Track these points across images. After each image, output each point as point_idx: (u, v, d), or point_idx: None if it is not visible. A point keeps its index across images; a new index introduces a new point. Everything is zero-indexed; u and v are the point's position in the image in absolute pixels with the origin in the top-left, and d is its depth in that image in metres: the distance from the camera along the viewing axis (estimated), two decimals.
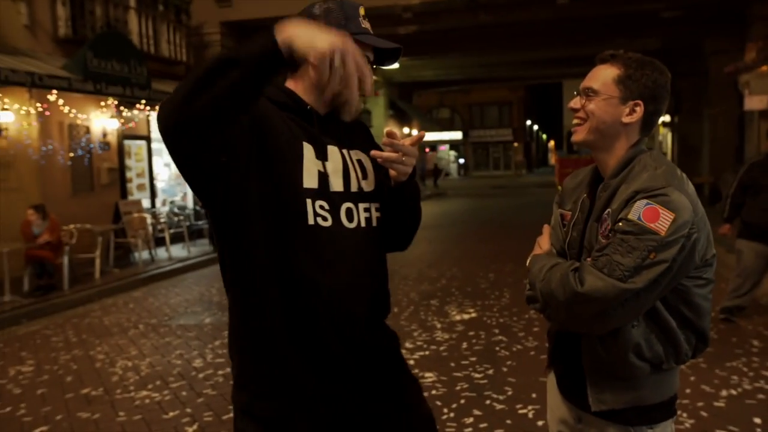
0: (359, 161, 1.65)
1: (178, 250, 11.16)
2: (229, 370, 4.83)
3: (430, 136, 37.51)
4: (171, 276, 9.53)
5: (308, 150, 1.55)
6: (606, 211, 1.57)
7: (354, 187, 1.61)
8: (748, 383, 4.30)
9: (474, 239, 12.42)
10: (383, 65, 1.70)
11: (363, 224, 1.61)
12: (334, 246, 1.55)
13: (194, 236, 12.31)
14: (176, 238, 11.55)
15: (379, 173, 1.68)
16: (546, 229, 1.81)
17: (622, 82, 1.60)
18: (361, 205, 1.61)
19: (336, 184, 1.57)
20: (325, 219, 1.54)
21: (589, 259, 1.56)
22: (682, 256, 1.48)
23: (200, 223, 12.62)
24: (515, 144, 47.02)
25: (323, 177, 1.55)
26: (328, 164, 1.57)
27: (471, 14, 14.14)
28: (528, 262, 1.75)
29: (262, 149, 1.48)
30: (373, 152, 1.61)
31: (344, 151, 1.63)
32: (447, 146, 45.64)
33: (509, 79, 34.21)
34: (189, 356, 5.36)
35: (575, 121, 1.68)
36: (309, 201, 1.52)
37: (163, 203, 12.69)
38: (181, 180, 13.38)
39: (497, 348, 5.23)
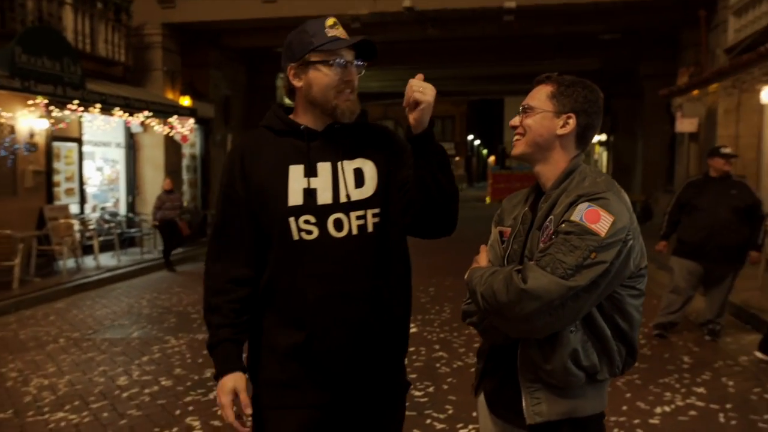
0: (357, 170, 1.75)
1: (107, 259, 10.65)
2: (156, 388, 4.61)
3: None
4: (98, 286, 9.07)
5: (295, 171, 1.73)
6: (548, 219, 1.63)
7: (343, 198, 1.71)
8: (681, 399, 4.36)
9: (414, 253, 12.23)
10: (370, 59, 1.79)
11: (355, 232, 1.72)
12: (320, 256, 1.70)
13: (125, 244, 11.81)
14: (106, 247, 11.04)
15: (383, 177, 1.78)
16: (482, 248, 1.83)
17: (555, 97, 1.71)
18: (353, 214, 1.72)
19: (324, 197, 1.71)
20: (309, 233, 1.70)
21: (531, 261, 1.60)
22: (619, 260, 1.54)
23: (132, 230, 12.12)
24: (457, 158, 47.63)
25: (309, 193, 1.71)
26: (317, 180, 1.72)
27: (419, 27, 14.19)
28: (466, 275, 1.73)
29: (249, 191, 1.75)
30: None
31: (339, 164, 1.74)
32: None
33: (453, 94, 34.65)
34: (113, 373, 5.05)
35: (515, 137, 1.77)
36: (292, 219, 1.70)
37: (94, 209, 12.10)
38: (114, 185, 12.93)
39: (438, 364, 5.15)
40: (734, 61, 8.68)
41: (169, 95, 13.19)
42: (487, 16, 13.66)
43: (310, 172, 1.73)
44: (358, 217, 1.73)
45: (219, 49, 15.18)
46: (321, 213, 1.71)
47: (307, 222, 1.71)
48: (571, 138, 1.71)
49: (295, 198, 1.72)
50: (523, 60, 18.22)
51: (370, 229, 1.74)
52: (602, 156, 25.47)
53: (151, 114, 11.54)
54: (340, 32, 1.73)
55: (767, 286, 7.36)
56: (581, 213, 1.54)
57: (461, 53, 17.73)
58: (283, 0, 13.14)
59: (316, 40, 1.71)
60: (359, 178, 1.75)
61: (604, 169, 24.25)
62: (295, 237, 1.71)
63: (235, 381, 1.72)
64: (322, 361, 1.72)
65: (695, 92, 10.83)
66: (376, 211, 1.75)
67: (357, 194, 1.74)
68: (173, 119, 12.28)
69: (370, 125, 1.85)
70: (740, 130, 11.22)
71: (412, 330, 6.23)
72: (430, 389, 4.57)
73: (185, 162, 14.44)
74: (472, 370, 5.18)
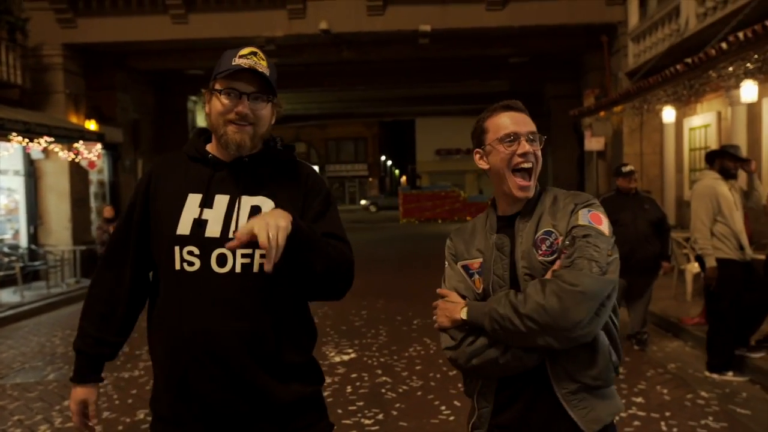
0: (255, 207, 1.69)
1: (8, 296, 9.82)
2: None
3: None
4: (1, 326, 8.30)
5: (192, 199, 1.70)
6: (542, 232, 1.67)
7: (231, 233, 1.64)
8: (623, 411, 4.47)
9: None
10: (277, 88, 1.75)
11: (238, 270, 1.65)
12: (199, 290, 1.65)
13: (29, 279, 10.93)
14: (7, 282, 10.17)
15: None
16: (444, 291, 1.78)
17: (537, 130, 1.76)
18: (240, 251, 1.64)
19: (213, 230, 1.66)
20: (191, 264, 1.66)
21: (555, 271, 1.63)
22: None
23: (36, 263, 11.26)
24: (370, 179, 48.03)
25: (197, 224, 1.67)
26: (211, 212, 1.68)
27: (335, 50, 14.21)
28: (464, 313, 1.68)
29: (147, 214, 1.77)
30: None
31: (237, 198, 1.70)
32: None
33: (365, 115, 34.96)
34: (31, 422, 4.58)
35: (527, 165, 1.70)
36: (177, 248, 1.67)
37: None
38: (12, 216, 11.99)
39: (383, 390, 5.04)
40: (639, 84, 9.24)
41: (73, 119, 12.42)
42: (402, 39, 13.89)
43: (206, 203, 1.70)
44: (244, 255, 1.66)
45: (126, 71, 14.52)
46: (206, 245, 1.67)
47: (190, 253, 1.67)
48: None
49: (183, 227, 1.69)
50: (436, 82, 18.64)
51: (255, 269, 1.66)
52: None
53: (53, 139, 10.82)
54: (249, 62, 1.68)
55: (680, 295, 7.79)
56: (586, 217, 1.64)
57: (375, 75, 17.90)
58: (195, 21, 12.79)
59: (222, 66, 1.71)
60: (255, 214, 1.66)
61: None
62: (177, 267, 1.68)
63: (86, 393, 1.79)
64: (199, 398, 1.67)
65: (602, 113, 11.44)
66: (263, 252, 1.57)
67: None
68: (79, 144, 11.58)
69: (285, 161, 1.80)
70: (644, 147, 11.95)
71: (351, 356, 6.11)
72: (380, 416, 4.46)
73: (93, 189, 13.62)
74: (419, 393, 5.18)
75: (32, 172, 12.09)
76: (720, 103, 9.42)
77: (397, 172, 58.87)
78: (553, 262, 1.64)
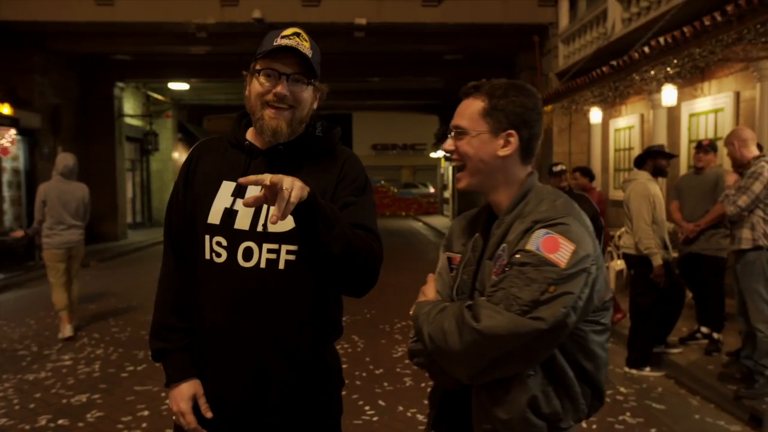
0: None
1: None
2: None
3: None
4: None
5: (226, 187, 1.66)
6: (501, 247, 1.45)
7: (259, 227, 1.61)
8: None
9: None
10: (317, 74, 1.68)
11: (263, 265, 1.60)
12: (224, 283, 1.62)
13: None
14: None
15: None
16: (430, 277, 1.65)
17: (489, 114, 1.50)
18: (266, 246, 1.60)
19: (242, 222, 1.62)
20: (219, 255, 1.63)
21: (483, 297, 1.42)
22: (585, 294, 1.37)
23: None
24: None
25: (227, 213, 1.63)
26: (242, 201, 1.54)
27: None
28: (411, 310, 1.56)
29: (186, 197, 1.74)
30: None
31: None
32: None
33: (320, 99, 34.50)
34: None
35: (454, 163, 1.56)
36: (208, 237, 1.64)
37: None
38: None
39: None
40: (568, 84, 9.44)
41: None
42: (337, 32, 13.73)
43: (239, 192, 1.64)
44: (270, 251, 1.61)
45: (45, 52, 13.74)
46: (234, 238, 1.63)
47: (219, 244, 1.64)
48: (515, 156, 1.52)
49: (214, 216, 1.65)
50: (371, 76, 18.57)
51: (281, 265, 1.61)
52: (448, 170, 26.68)
53: None
54: (291, 42, 1.61)
55: (616, 292, 7.99)
56: (538, 241, 1.37)
57: None
58: (121, 3, 12.22)
59: (264, 47, 1.64)
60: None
61: (450, 184, 25.41)
62: (207, 256, 1.66)
63: (195, 387, 1.70)
64: (217, 392, 1.67)
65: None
66: (292, 248, 1.60)
67: (277, 227, 1.58)
68: None
69: (325, 148, 1.72)
70: (572, 147, 12.26)
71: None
72: None
73: (6, 177, 12.82)
74: (343, 393, 5.08)
75: None
76: (643, 105, 9.75)
77: None
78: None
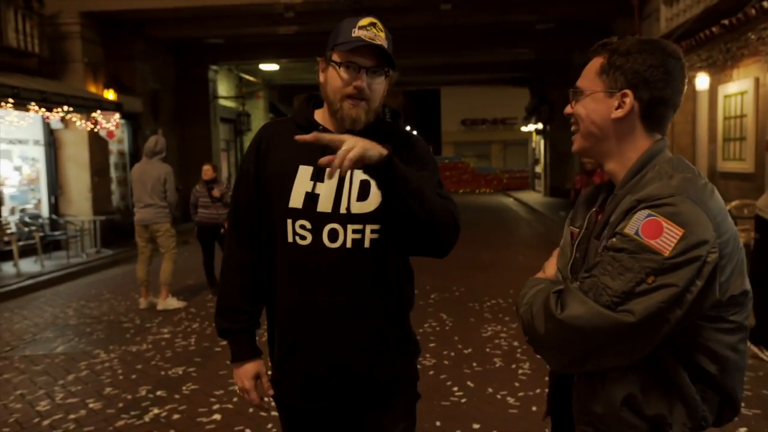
0: (365, 181, 1.66)
1: (29, 265, 9.87)
2: (83, 412, 4.14)
3: None
4: (18, 295, 8.33)
5: (304, 172, 1.70)
6: (608, 226, 1.33)
7: (342, 209, 1.66)
8: None
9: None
10: (394, 67, 1.73)
11: (349, 245, 1.66)
12: (310, 264, 1.67)
13: (49, 248, 10.98)
14: (28, 252, 10.23)
15: None
16: (554, 252, 1.55)
17: (605, 71, 1.37)
18: (351, 227, 1.66)
19: (324, 205, 1.67)
20: (303, 238, 1.68)
21: (576, 282, 1.30)
22: (697, 287, 1.19)
23: (57, 233, 11.29)
24: None
25: (309, 197, 1.67)
26: (322, 186, 1.67)
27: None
28: (524, 287, 1.48)
29: (259, 181, 1.77)
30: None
31: (349, 172, 1.60)
32: None
33: (390, 85, 34.46)
34: (32, 397, 4.51)
35: (572, 128, 1.46)
36: (290, 221, 1.69)
37: (12, 212, 11.21)
38: (35, 185, 12.02)
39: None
40: None
41: (92, 89, 12.35)
42: (423, 6, 13.47)
43: (318, 176, 1.69)
44: (355, 231, 1.68)
45: (145, 39, 14.37)
46: (318, 220, 1.68)
47: (302, 227, 1.69)
48: (633, 121, 1.35)
49: (296, 200, 1.69)
50: (459, 50, 18.16)
51: (366, 244, 1.68)
52: (539, 144, 25.87)
53: (71, 109, 10.75)
54: (369, 34, 1.66)
55: None
56: (638, 224, 1.22)
57: (397, 43, 17.08)
58: None
59: (341, 37, 1.67)
60: (364, 190, 1.68)
61: (542, 158, 24.62)
62: (290, 239, 1.70)
63: (257, 367, 1.81)
64: (308, 368, 1.72)
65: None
66: (376, 227, 1.68)
67: (357, 207, 1.68)
68: (97, 114, 11.51)
69: (394, 132, 1.79)
70: (675, 117, 11.45)
71: None
72: None
73: (113, 159, 13.62)
74: (431, 373, 5.01)
75: (52, 142, 12.08)
76: (758, 68, 8.90)
77: None
78: None
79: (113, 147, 13.47)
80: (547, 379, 1.66)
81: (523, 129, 28.56)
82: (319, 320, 1.69)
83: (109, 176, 13.32)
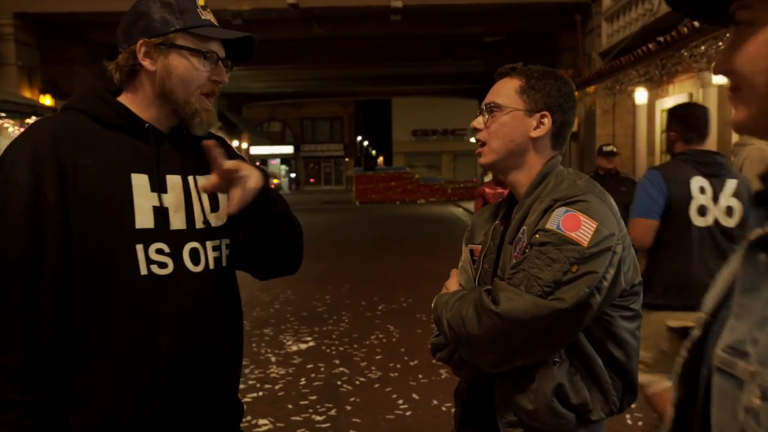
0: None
1: None
2: None
3: (261, 150, 36.73)
4: None
5: (140, 182, 1.32)
6: (521, 230, 1.42)
7: (199, 223, 1.37)
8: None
9: (306, 258, 11.96)
10: (238, 61, 1.46)
11: (212, 266, 1.38)
12: (177, 297, 1.33)
13: None
14: None
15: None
16: (453, 272, 1.63)
17: (525, 92, 1.49)
18: (210, 243, 1.38)
19: (177, 221, 1.35)
20: (163, 266, 1.32)
21: (494, 280, 1.41)
22: (610, 274, 1.33)
23: None
24: (347, 159, 47.61)
25: (160, 213, 1.32)
26: (167, 197, 1.34)
27: (304, 25, 13.82)
28: (433, 302, 1.53)
29: (70, 199, 1.25)
30: (202, 185, 1.35)
31: (189, 179, 1.38)
32: (278, 160, 45.00)
33: (341, 95, 34.51)
34: None
35: (477, 141, 1.55)
36: (140, 246, 1.29)
37: None
38: None
39: (339, 382, 4.80)
40: (612, 64, 9.06)
41: (26, 93, 11.92)
42: (373, 16, 13.55)
43: (160, 186, 1.33)
44: (215, 248, 1.40)
45: (86, 43, 13.95)
46: (175, 241, 1.33)
47: (159, 252, 1.31)
48: (546, 139, 1.49)
49: (144, 219, 1.30)
50: (410, 61, 18.37)
51: (224, 263, 1.42)
52: None
53: (3, 114, 10.33)
54: (212, 18, 1.40)
55: None
56: (558, 219, 1.33)
57: (348, 53, 17.54)
58: None
59: (188, 19, 1.35)
60: (213, 199, 1.40)
61: None
62: (143, 271, 1.29)
63: None
64: (181, 427, 1.34)
65: (576, 93, 11.27)
66: (227, 241, 1.42)
67: (214, 219, 1.40)
68: (32, 120, 11.08)
69: (210, 134, 1.46)
70: (616, 129, 11.83)
71: (309, 344, 5.87)
72: (332, 412, 4.22)
73: None
74: (377, 386, 4.96)
75: None
76: (692, 84, 9.28)
77: (374, 152, 58.70)
78: None
79: None
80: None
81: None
82: (193, 367, 1.34)
83: None
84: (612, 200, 1.44)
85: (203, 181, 1.36)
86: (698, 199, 2.93)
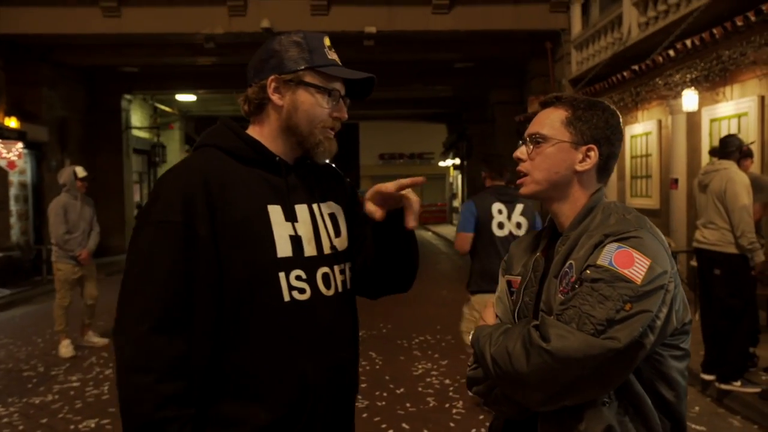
0: (332, 215, 1.52)
1: None
2: None
3: None
4: None
5: (275, 213, 1.42)
6: (567, 264, 1.36)
7: (327, 248, 1.48)
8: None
9: None
10: (359, 98, 1.57)
11: (340, 289, 1.49)
12: (314, 321, 1.42)
13: None
14: None
15: (352, 225, 1.56)
16: (489, 303, 1.58)
17: (572, 123, 1.44)
18: (337, 268, 1.49)
19: (309, 248, 1.45)
20: (302, 291, 1.41)
21: (542, 316, 1.35)
22: (663, 313, 1.27)
23: None
24: None
25: (296, 241, 1.42)
26: (299, 225, 1.44)
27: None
28: (470, 336, 1.46)
29: (219, 234, 1.36)
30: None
31: (314, 207, 1.49)
32: None
33: None
34: None
35: (519, 172, 1.50)
36: (282, 274, 1.39)
37: None
38: None
39: None
40: (585, 91, 9.24)
41: None
42: (346, 41, 13.57)
43: (292, 216, 1.43)
44: (341, 272, 1.50)
45: (53, 65, 13.65)
46: (310, 267, 1.43)
47: (298, 278, 1.41)
48: (592, 172, 1.45)
49: (284, 247, 1.40)
50: (379, 86, 18.30)
51: (348, 285, 1.52)
52: (457, 179, 26.51)
53: None
54: (337, 58, 1.51)
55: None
56: (610, 256, 1.28)
57: None
58: (128, 14, 12.10)
59: (316, 58, 1.46)
60: (336, 225, 1.51)
61: (459, 192, 25.22)
62: (286, 298, 1.39)
63: None
64: None
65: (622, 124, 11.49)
66: (350, 264, 1.54)
67: (339, 244, 1.50)
68: None
69: (326, 166, 1.63)
70: None
71: None
72: None
73: (13, 191, 12.69)
74: (365, 415, 4.85)
75: None
76: (660, 111, 9.52)
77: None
78: None
79: (14, 178, 12.59)
80: (481, 417, 1.63)
81: (441, 164, 29.20)
82: (331, 391, 1.45)
83: (9, 209, 12.41)
84: (662, 236, 1.40)
85: (325, 208, 1.50)
86: (497, 218, 4.25)
